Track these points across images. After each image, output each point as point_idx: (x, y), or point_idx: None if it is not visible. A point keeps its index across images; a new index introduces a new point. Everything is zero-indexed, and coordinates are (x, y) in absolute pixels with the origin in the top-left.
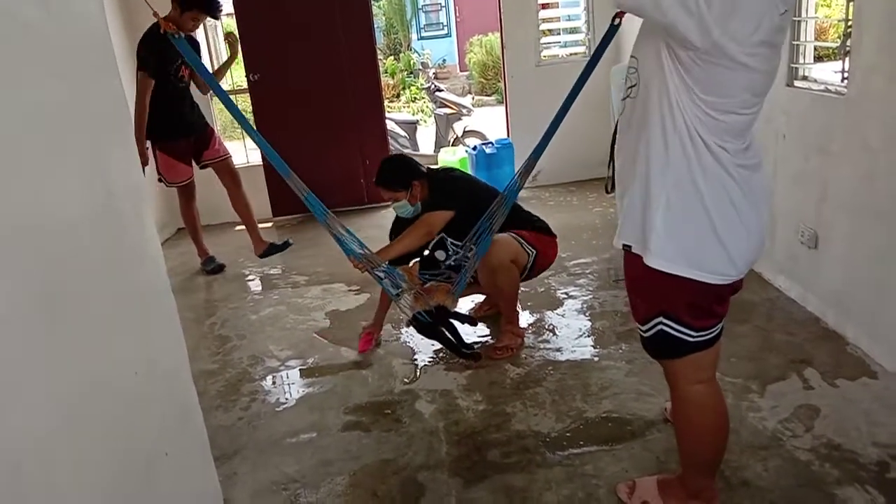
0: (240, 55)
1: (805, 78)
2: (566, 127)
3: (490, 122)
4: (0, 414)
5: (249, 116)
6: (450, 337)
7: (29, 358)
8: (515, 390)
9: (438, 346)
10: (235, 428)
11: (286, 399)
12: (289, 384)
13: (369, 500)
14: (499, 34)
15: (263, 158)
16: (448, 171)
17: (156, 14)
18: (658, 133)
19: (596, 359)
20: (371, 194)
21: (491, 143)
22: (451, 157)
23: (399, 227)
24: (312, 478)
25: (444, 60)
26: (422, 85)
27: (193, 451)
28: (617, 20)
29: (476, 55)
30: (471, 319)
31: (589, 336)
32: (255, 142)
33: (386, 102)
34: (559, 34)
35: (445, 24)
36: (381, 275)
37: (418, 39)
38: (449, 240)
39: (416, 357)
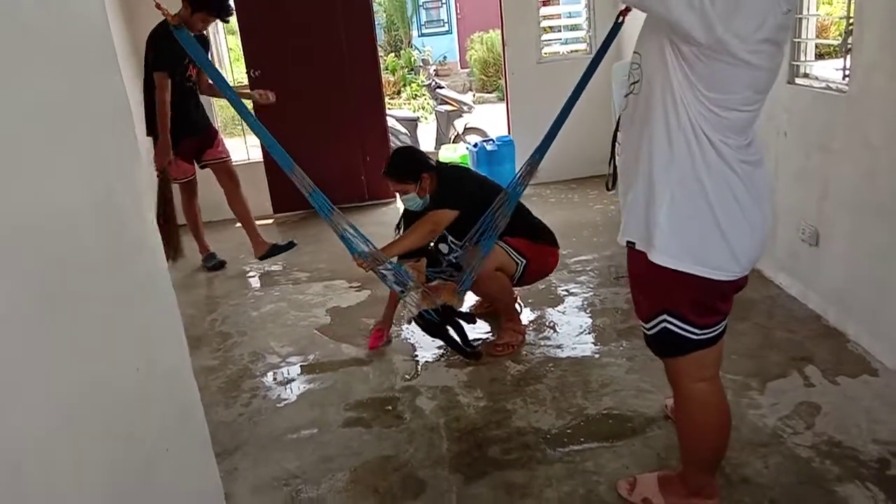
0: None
1: (806, 75)
2: (567, 124)
3: (491, 119)
4: (0, 412)
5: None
6: (454, 336)
7: (29, 356)
8: (516, 387)
9: (439, 342)
10: (236, 424)
11: (287, 395)
12: (289, 380)
13: (370, 497)
14: (499, 31)
15: (265, 155)
16: (456, 169)
17: (162, 8)
18: (661, 129)
19: (597, 356)
20: (372, 191)
21: (492, 140)
22: (452, 155)
23: (408, 219)
24: (313, 474)
25: (444, 57)
26: (422, 82)
27: (194, 448)
28: (621, 18)
29: (477, 52)
30: (471, 317)
31: (590, 333)
32: (260, 139)
33: (386, 99)
34: (560, 31)
35: (446, 20)
36: (387, 273)
37: (419, 36)
38: (450, 237)
39: (416, 353)
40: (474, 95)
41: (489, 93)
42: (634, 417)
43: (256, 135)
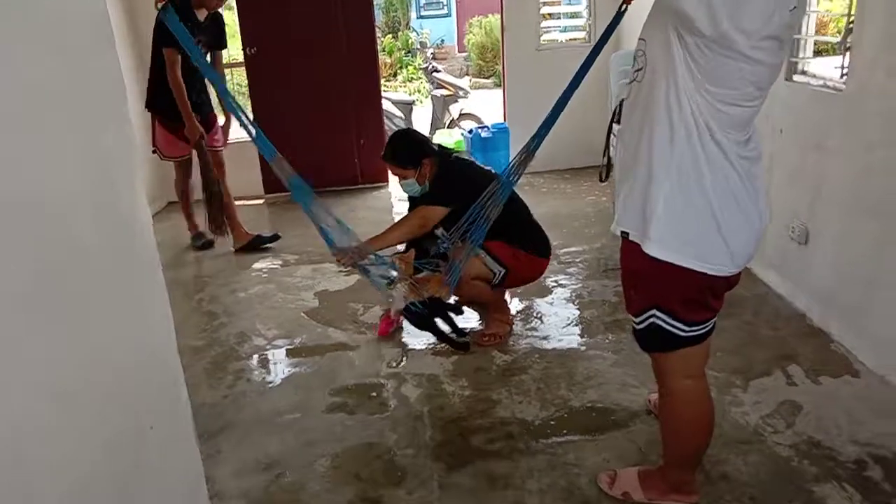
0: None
1: (804, 73)
2: (563, 113)
3: (487, 105)
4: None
5: (245, 90)
6: (443, 327)
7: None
8: (501, 377)
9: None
10: (220, 406)
11: (272, 378)
12: (275, 363)
13: (352, 483)
14: (499, 16)
15: None
16: (457, 162)
17: None
18: (664, 119)
19: (582, 348)
20: (365, 174)
21: (487, 126)
22: (447, 140)
23: (413, 205)
24: (296, 458)
25: (442, 41)
26: (419, 65)
27: (178, 428)
28: (624, 6)
29: (475, 36)
30: (458, 309)
31: (577, 325)
32: (239, 120)
33: (382, 81)
34: (559, 18)
35: (445, 3)
36: (370, 267)
37: (417, 18)
38: (441, 227)
39: (403, 340)
40: (471, 80)
41: (486, 78)
42: (618, 411)
43: (240, 123)
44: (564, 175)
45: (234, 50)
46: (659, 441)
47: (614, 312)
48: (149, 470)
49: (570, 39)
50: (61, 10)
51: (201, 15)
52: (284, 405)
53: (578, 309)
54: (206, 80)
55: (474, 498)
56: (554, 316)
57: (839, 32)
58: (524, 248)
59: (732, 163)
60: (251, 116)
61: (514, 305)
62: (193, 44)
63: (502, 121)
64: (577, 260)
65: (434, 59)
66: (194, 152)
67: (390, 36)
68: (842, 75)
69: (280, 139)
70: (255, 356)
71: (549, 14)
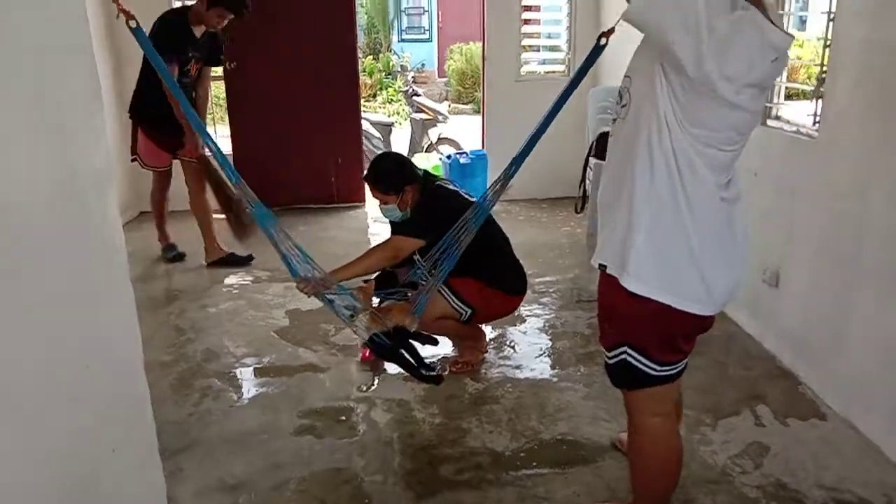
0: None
1: (778, 118)
2: (541, 143)
3: (465, 131)
4: None
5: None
6: (409, 359)
7: None
8: (473, 406)
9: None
10: (185, 423)
11: (239, 398)
12: (243, 382)
13: None
14: (479, 44)
15: (234, 147)
16: (440, 189)
17: (119, 3)
18: (645, 155)
19: (554, 379)
20: (341, 193)
21: (465, 152)
22: (425, 164)
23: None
24: (260, 481)
25: (422, 65)
26: (399, 87)
27: (141, 447)
28: (603, 40)
29: (456, 63)
30: (431, 339)
31: (549, 356)
32: (207, 145)
33: (362, 102)
34: (539, 51)
35: (427, 28)
36: (333, 297)
37: (399, 41)
38: (416, 254)
39: (375, 364)
40: (450, 105)
41: (465, 104)
42: (588, 445)
43: (205, 143)
44: (541, 205)
45: None
46: (627, 478)
47: (587, 345)
48: (109, 495)
49: (549, 72)
50: (37, 15)
51: (199, 31)
52: (251, 425)
53: (551, 339)
54: (192, 93)
55: None
56: (527, 345)
57: (809, 79)
58: (494, 286)
59: (712, 202)
60: (228, 130)
61: (488, 332)
62: (166, 63)
63: (480, 147)
64: (551, 290)
65: (415, 82)
66: (175, 163)
67: (371, 57)
68: (814, 122)
69: (257, 154)
70: (223, 374)
71: (529, 46)
